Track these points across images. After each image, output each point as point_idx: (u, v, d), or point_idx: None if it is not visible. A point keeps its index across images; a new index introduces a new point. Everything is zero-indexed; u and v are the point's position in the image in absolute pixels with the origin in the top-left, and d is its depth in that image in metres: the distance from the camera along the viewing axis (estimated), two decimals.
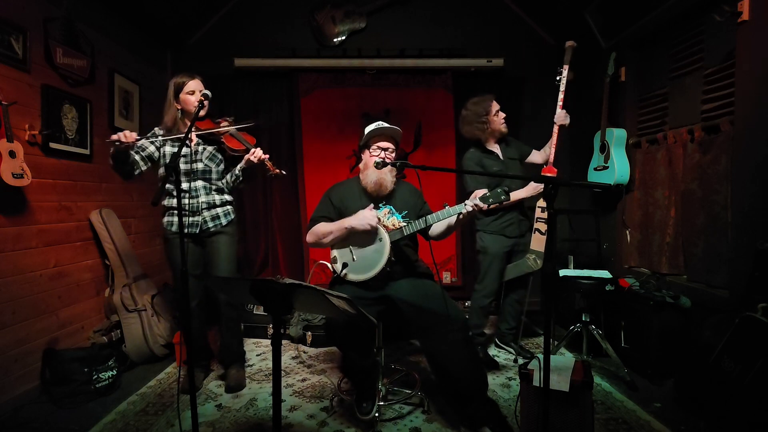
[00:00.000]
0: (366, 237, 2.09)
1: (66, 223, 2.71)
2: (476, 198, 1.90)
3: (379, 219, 2.16)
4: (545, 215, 2.86)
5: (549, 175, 2.77)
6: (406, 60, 3.86)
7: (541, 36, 4.00)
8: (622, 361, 2.57)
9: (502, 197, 1.88)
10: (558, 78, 2.80)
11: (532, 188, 2.65)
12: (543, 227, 2.85)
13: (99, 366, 2.45)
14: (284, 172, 2.36)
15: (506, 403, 2.31)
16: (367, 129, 2.24)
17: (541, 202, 2.87)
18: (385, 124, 2.23)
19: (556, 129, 2.79)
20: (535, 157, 2.95)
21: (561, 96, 2.80)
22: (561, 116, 2.79)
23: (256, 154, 2.32)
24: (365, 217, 2.05)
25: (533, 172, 2.92)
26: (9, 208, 2.32)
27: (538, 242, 2.86)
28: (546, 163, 2.83)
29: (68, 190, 2.74)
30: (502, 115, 2.78)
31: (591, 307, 2.72)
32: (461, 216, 1.96)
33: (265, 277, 1.51)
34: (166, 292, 3.27)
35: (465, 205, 1.92)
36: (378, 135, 2.21)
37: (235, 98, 3.89)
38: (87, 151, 2.88)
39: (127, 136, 2.09)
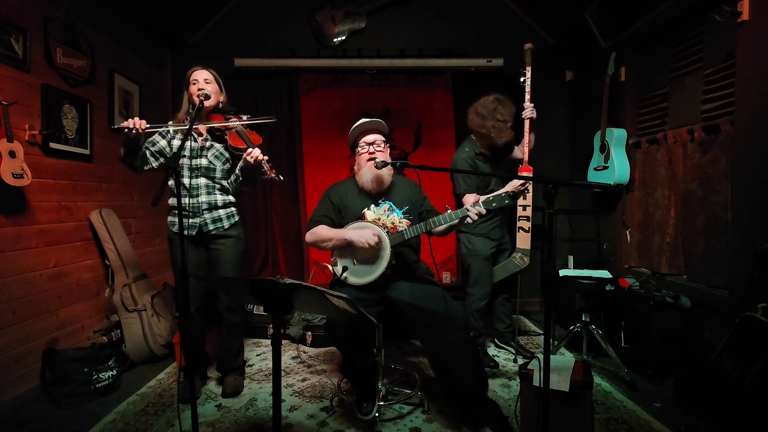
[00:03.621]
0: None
1: (66, 223, 2.71)
2: (479, 203, 1.90)
3: (378, 218, 2.15)
4: (527, 213, 2.88)
5: (526, 174, 2.77)
6: (406, 60, 3.86)
7: (541, 36, 4.00)
8: (622, 361, 2.57)
9: (506, 201, 1.88)
10: (522, 80, 2.80)
11: (512, 186, 2.62)
12: (526, 225, 2.87)
13: (99, 366, 2.45)
14: (281, 178, 2.24)
15: (506, 403, 2.31)
16: (351, 129, 2.24)
17: (522, 201, 2.88)
18: (367, 119, 2.22)
19: (527, 124, 2.77)
20: (517, 152, 2.95)
21: (527, 98, 2.79)
22: (528, 110, 2.76)
23: (253, 154, 2.19)
24: (366, 237, 2.02)
25: (515, 168, 2.93)
26: (9, 208, 2.32)
27: (523, 240, 2.89)
28: (522, 162, 2.83)
29: (68, 190, 2.74)
30: (512, 131, 2.76)
31: (591, 307, 2.72)
32: (464, 221, 1.96)
33: (265, 277, 1.50)
34: (166, 292, 3.27)
35: (467, 210, 1.91)
36: (361, 132, 2.20)
37: (235, 98, 3.88)
38: (87, 151, 2.88)
39: (137, 123, 2.08)
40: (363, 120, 2.22)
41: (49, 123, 2.54)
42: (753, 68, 2.17)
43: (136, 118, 2.10)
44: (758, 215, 2.14)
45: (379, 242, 2.04)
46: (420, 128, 3.98)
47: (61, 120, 2.65)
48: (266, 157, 2.24)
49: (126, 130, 2.09)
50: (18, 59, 2.35)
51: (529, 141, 2.78)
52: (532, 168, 2.79)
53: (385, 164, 2.06)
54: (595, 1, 3.30)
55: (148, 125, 2.13)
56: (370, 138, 2.19)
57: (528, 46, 2.84)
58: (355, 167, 2.25)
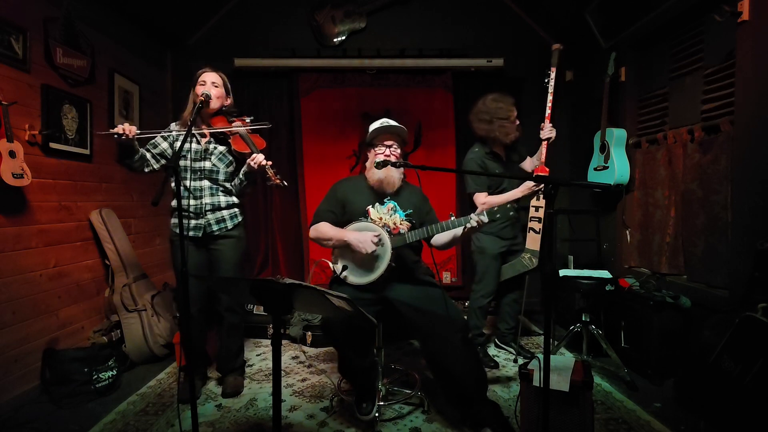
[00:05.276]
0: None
1: (66, 223, 2.71)
2: (483, 213, 1.90)
3: (380, 218, 2.15)
4: (539, 214, 2.87)
5: (543, 174, 2.76)
6: (406, 60, 3.86)
7: (541, 36, 4.01)
8: (622, 361, 2.57)
9: (511, 213, 1.87)
10: (546, 81, 2.76)
11: (527, 187, 2.60)
12: (537, 226, 2.86)
13: (99, 366, 2.45)
14: (285, 183, 2.24)
15: (506, 403, 2.31)
16: (372, 126, 2.24)
17: (535, 202, 2.87)
18: (391, 122, 2.22)
19: (544, 144, 2.73)
20: (527, 164, 2.94)
21: (549, 105, 2.75)
22: (547, 131, 2.73)
23: (256, 159, 2.23)
24: (364, 243, 2.02)
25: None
26: (9, 208, 2.31)
27: (532, 241, 2.88)
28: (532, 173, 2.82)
29: (68, 190, 2.74)
30: (517, 121, 2.75)
31: (591, 307, 2.72)
32: (466, 229, 1.96)
33: (265, 277, 1.50)
34: (166, 292, 3.27)
35: (470, 218, 1.91)
36: (383, 133, 2.20)
37: (236, 98, 3.87)
38: (87, 151, 2.88)
39: (127, 128, 2.08)
40: (388, 122, 2.22)
41: (49, 123, 2.54)
42: (753, 68, 2.17)
43: (126, 124, 2.10)
44: (758, 215, 2.14)
45: (377, 249, 2.04)
46: (420, 128, 3.98)
47: (61, 120, 2.65)
48: (270, 162, 2.25)
49: (116, 136, 2.09)
50: (18, 59, 2.35)
51: (544, 158, 2.74)
52: (548, 169, 2.77)
53: (385, 164, 2.06)
54: (595, 1, 3.30)
55: (138, 131, 2.13)
56: (389, 141, 2.20)
57: (556, 46, 2.79)
58: (367, 164, 2.26)
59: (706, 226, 2.57)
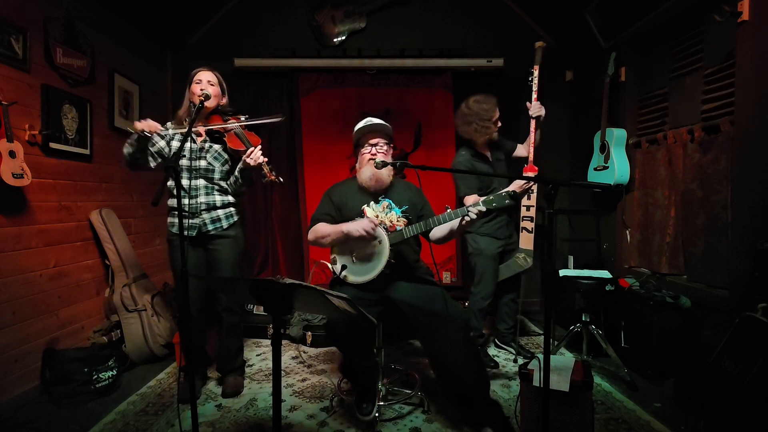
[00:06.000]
0: (365, 240, 2.08)
1: (66, 223, 2.71)
2: (479, 203, 1.89)
3: (377, 216, 2.15)
4: (531, 213, 2.87)
5: (531, 174, 2.76)
6: (406, 60, 3.86)
7: (541, 36, 4.00)
8: (622, 361, 2.57)
9: (506, 201, 1.87)
10: (530, 78, 2.80)
11: (516, 185, 2.60)
12: (529, 225, 2.87)
13: (99, 366, 2.45)
14: (281, 180, 2.24)
15: (506, 403, 2.31)
16: (356, 127, 2.26)
17: (526, 201, 2.87)
18: (374, 120, 2.23)
19: (533, 123, 2.76)
20: (521, 150, 2.94)
21: (534, 95, 2.79)
22: (536, 108, 2.75)
23: (253, 155, 2.21)
24: (360, 224, 2.03)
25: (520, 167, 2.93)
26: (9, 208, 2.32)
27: (526, 241, 2.88)
28: (527, 161, 2.83)
29: (68, 190, 2.74)
30: (499, 123, 2.76)
31: (591, 307, 2.72)
32: (464, 222, 1.96)
33: (265, 277, 1.51)
34: (166, 292, 3.27)
35: (467, 209, 1.91)
36: (366, 133, 2.22)
37: (236, 98, 3.88)
38: (87, 151, 2.88)
39: (151, 125, 2.10)
40: (371, 121, 2.23)
41: (49, 123, 2.54)
42: (753, 68, 2.17)
43: (150, 120, 2.11)
44: (758, 215, 2.14)
45: (376, 231, 2.04)
46: (420, 128, 3.99)
47: (61, 120, 2.65)
48: (266, 159, 2.24)
49: (142, 133, 2.11)
50: (18, 59, 2.35)
51: (534, 140, 2.77)
52: (537, 168, 2.78)
53: (384, 164, 2.06)
54: (595, 1, 3.30)
55: (162, 128, 2.17)
56: (373, 140, 2.21)
57: (539, 44, 2.81)
58: (357, 165, 2.27)
59: (706, 226, 2.57)
